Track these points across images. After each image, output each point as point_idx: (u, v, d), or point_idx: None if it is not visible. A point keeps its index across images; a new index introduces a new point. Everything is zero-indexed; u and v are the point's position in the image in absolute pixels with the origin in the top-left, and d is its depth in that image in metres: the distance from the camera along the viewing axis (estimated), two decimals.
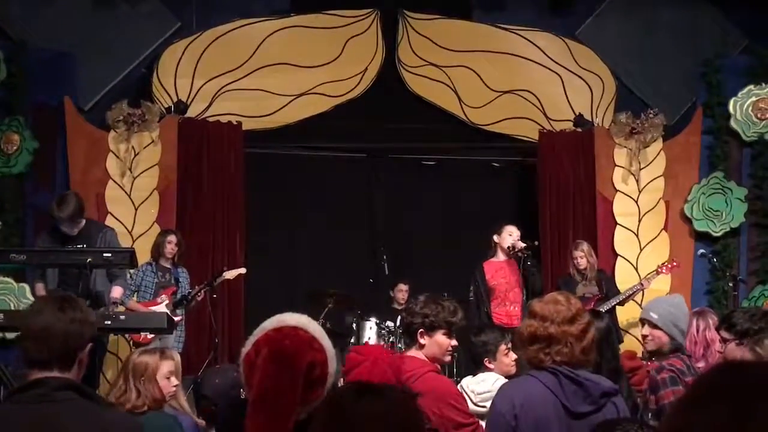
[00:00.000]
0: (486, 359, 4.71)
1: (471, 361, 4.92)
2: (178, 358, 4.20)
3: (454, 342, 3.78)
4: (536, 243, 8.17)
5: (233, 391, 3.83)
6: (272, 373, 2.34)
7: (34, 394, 2.45)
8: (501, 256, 7.67)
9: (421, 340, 3.70)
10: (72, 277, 6.42)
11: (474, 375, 4.73)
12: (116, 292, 6.86)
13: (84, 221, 6.86)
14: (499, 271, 7.66)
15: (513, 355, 4.72)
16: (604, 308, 7.69)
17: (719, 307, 8.16)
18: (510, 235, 7.62)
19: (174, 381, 3.96)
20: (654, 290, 8.08)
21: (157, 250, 7.77)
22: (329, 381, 2.43)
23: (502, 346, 4.72)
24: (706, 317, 4.73)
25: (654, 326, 4.27)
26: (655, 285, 8.20)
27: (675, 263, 8.27)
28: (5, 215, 8.30)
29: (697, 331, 4.60)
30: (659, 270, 8.21)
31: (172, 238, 7.80)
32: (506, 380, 4.51)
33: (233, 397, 3.76)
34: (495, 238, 7.72)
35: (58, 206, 6.63)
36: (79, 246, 6.48)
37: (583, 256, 7.90)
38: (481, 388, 4.53)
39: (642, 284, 8.05)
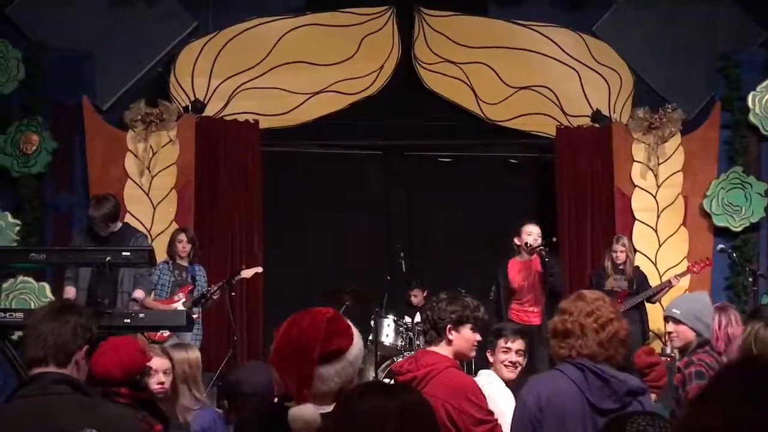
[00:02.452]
0: (487, 350, 4.66)
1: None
2: (180, 355, 4.18)
3: (479, 337, 3.83)
4: (554, 239, 8.15)
5: (271, 387, 3.87)
6: (294, 324, 2.49)
7: (32, 389, 2.57)
8: (525, 256, 7.69)
9: (449, 336, 3.74)
10: (103, 277, 6.48)
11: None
12: (138, 293, 6.98)
13: (120, 225, 7.05)
14: (521, 272, 7.68)
15: (513, 357, 4.58)
16: (630, 304, 7.68)
17: (739, 303, 8.12)
18: (529, 235, 7.62)
19: (161, 378, 3.91)
20: (673, 288, 8.03)
21: (170, 250, 7.83)
22: (355, 344, 2.50)
23: (501, 341, 4.61)
24: (728, 313, 4.68)
25: (678, 322, 4.26)
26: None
27: (708, 262, 8.21)
28: (24, 215, 8.37)
29: (719, 326, 4.55)
30: (690, 269, 8.16)
31: (182, 237, 7.83)
32: (498, 384, 4.47)
33: (270, 394, 3.81)
34: (516, 240, 7.73)
35: (94, 205, 6.90)
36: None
37: (623, 251, 7.91)
38: None
39: (671, 282, 7.99)
